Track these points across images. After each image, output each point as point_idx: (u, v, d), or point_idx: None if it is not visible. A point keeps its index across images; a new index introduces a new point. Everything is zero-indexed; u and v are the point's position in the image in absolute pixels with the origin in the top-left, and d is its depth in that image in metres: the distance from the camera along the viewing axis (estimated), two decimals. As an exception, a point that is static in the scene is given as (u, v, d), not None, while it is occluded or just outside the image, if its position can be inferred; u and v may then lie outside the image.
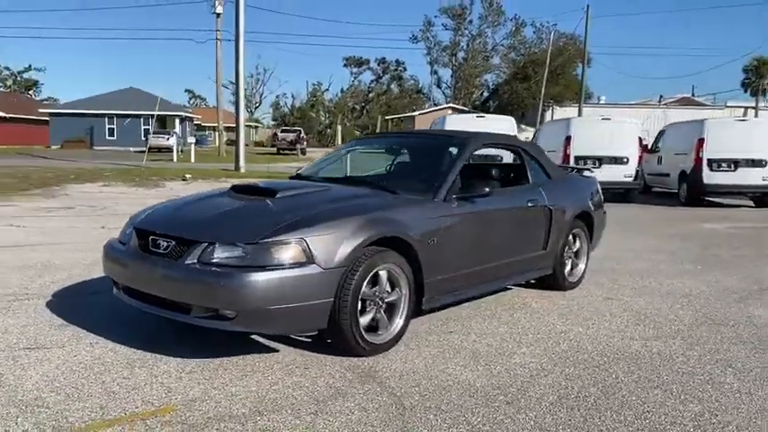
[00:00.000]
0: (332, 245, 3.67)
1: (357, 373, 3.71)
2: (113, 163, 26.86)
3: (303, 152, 42.13)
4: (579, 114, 34.87)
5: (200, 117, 56.61)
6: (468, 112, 56.52)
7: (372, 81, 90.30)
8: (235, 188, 4.57)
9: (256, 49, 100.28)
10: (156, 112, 26.63)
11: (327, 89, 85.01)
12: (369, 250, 3.89)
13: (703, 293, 5.99)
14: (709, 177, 13.94)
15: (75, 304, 4.96)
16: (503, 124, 14.37)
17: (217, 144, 58.13)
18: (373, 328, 4.04)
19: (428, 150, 5.45)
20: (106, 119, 45.97)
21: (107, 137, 45.30)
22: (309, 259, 3.59)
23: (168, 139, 37.16)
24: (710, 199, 15.57)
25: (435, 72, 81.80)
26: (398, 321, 4.14)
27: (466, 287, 4.73)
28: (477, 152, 5.22)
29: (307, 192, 4.45)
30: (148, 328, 4.35)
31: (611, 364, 3.99)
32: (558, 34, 56.31)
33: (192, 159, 30.83)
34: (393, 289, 4.13)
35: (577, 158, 14.29)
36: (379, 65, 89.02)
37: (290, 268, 3.55)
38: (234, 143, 25.50)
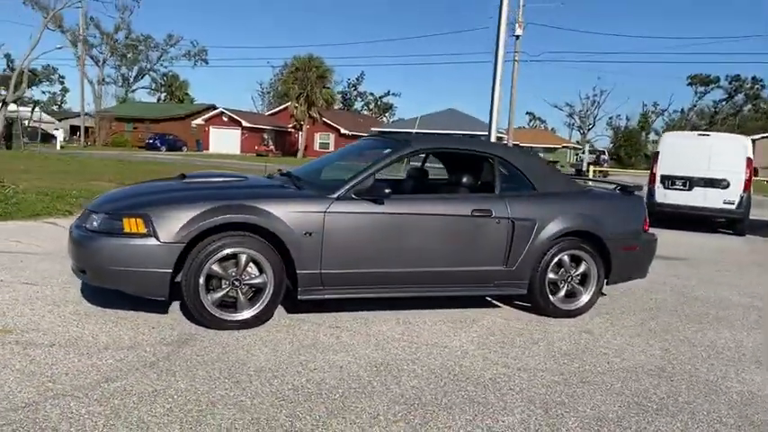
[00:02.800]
0: (173, 224, 4.25)
1: (177, 336, 4.22)
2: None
3: (605, 174, 40.21)
4: None
5: (506, 136, 57.79)
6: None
7: (722, 100, 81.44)
8: (180, 175, 5.37)
9: (595, 69, 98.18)
10: (415, 130, 28.48)
11: (666, 110, 79.26)
12: (226, 234, 4.35)
13: (721, 349, 4.80)
14: None
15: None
16: (730, 144, 12.20)
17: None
18: (232, 305, 4.46)
19: (369, 151, 5.48)
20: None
21: (424, 153, 49.58)
22: (150, 233, 4.23)
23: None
24: None
25: (806, 89, 69.80)
26: (260, 305, 4.48)
27: (364, 286, 4.75)
28: (423, 154, 5.09)
29: (211, 181, 5.04)
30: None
31: (402, 379, 3.76)
32: None
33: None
34: (261, 273, 4.48)
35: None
36: (730, 83, 79.85)
37: (130, 237, 4.24)
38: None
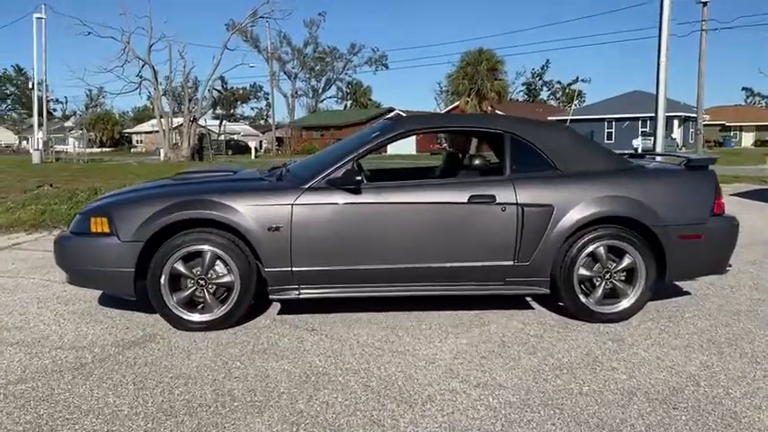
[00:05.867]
0: (132, 222, 4.16)
1: (139, 337, 4.12)
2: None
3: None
4: None
5: (707, 116, 51.64)
6: None
7: None
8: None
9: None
10: (570, 117, 26.35)
11: None
12: (188, 231, 4.18)
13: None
14: None
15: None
16: None
17: (740, 145, 52.64)
18: (200, 305, 4.28)
19: (361, 136, 4.89)
20: (605, 123, 47.09)
21: (605, 140, 46.35)
22: (112, 232, 4.18)
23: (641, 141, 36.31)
24: None
25: None
26: (228, 305, 4.24)
27: (345, 285, 4.30)
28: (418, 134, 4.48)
29: (194, 176, 4.86)
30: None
31: (319, 395, 3.28)
32: None
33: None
34: (229, 272, 4.24)
35: None
36: None
37: (96, 237, 4.23)
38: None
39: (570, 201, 4.30)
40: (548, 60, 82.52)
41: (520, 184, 4.31)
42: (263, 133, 72.69)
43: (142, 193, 4.53)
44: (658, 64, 18.95)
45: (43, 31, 37.04)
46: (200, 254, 4.20)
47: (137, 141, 78.89)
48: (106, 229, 4.20)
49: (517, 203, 4.27)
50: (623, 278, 4.45)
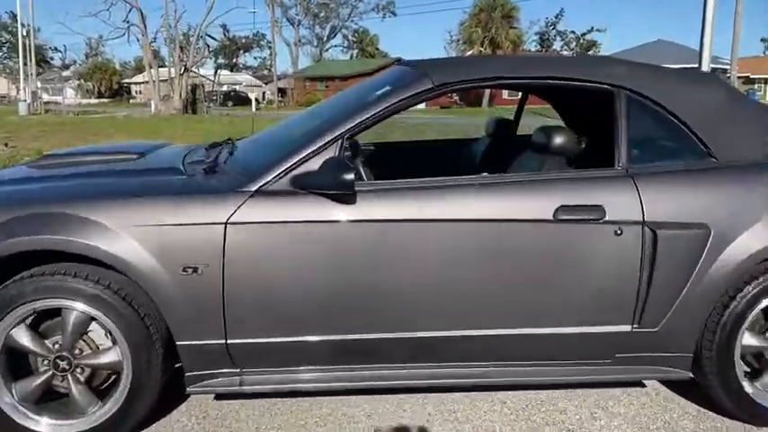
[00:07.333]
0: (-70, 255, 2.22)
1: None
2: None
3: None
4: None
5: (726, 68, 48.72)
6: None
7: None
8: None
9: None
10: None
11: None
12: (36, 272, 2.26)
13: None
14: None
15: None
16: None
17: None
18: (62, 401, 2.39)
19: (358, 93, 2.86)
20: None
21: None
22: None
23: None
24: None
25: None
26: (115, 401, 2.34)
27: (326, 368, 2.40)
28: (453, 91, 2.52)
29: (68, 166, 2.90)
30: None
31: None
32: None
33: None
34: (115, 343, 2.33)
35: None
36: None
37: None
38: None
39: (739, 217, 2.34)
40: (562, 9, 78.64)
41: (647, 186, 2.34)
42: (266, 84, 69.84)
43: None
44: (704, 11, 16.43)
45: (27, -28, 34.35)
46: (59, 313, 2.28)
47: (136, 92, 76.36)
48: None
49: (644, 221, 2.30)
50: (818, 349, 2.52)
